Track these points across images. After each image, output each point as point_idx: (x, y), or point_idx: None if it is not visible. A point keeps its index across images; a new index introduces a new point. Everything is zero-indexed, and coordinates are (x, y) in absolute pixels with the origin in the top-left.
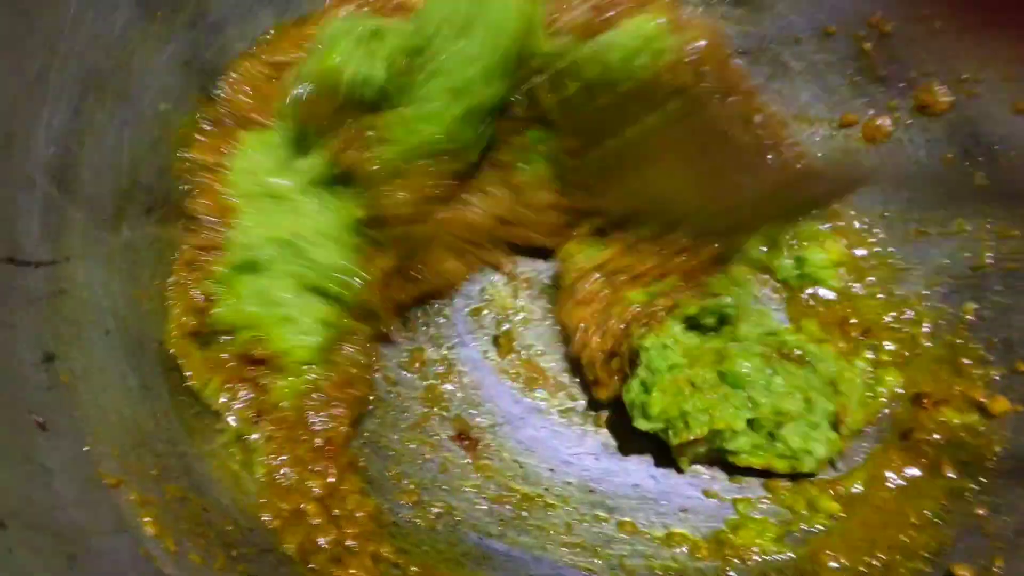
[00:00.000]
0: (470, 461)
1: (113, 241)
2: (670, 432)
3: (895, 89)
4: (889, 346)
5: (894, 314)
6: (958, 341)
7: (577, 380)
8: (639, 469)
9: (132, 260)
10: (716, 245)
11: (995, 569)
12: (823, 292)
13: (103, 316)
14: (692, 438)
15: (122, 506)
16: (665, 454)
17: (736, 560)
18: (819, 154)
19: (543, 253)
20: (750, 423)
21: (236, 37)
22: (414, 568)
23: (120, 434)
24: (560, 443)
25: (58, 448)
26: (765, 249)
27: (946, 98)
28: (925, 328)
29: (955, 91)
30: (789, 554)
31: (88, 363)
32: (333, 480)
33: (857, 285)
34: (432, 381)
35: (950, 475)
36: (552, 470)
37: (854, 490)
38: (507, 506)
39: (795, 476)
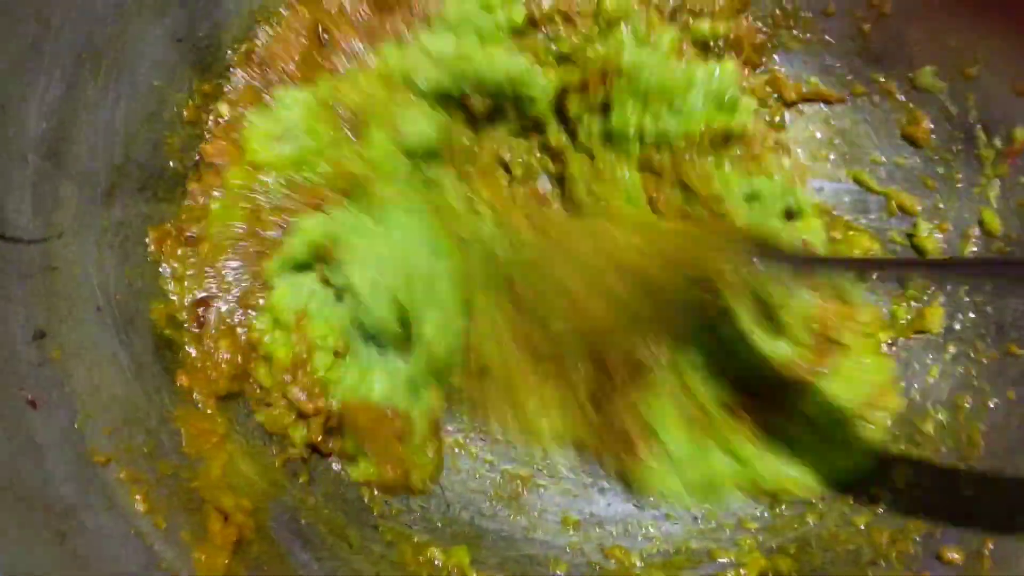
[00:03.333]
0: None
1: (106, 217)
2: None
3: (892, 70)
4: None
5: None
6: None
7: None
8: None
9: (125, 237)
10: None
11: (985, 551)
12: None
13: (95, 293)
14: None
15: (112, 483)
16: None
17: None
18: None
19: None
20: None
21: (232, 12)
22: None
23: (111, 411)
24: None
25: (49, 424)
26: None
27: (941, 81)
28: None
29: (952, 73)
30: None
31: (79, 340)
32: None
33: None
34: None
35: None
36: (545, 449)
37: None
38: (499, 485)
39: None
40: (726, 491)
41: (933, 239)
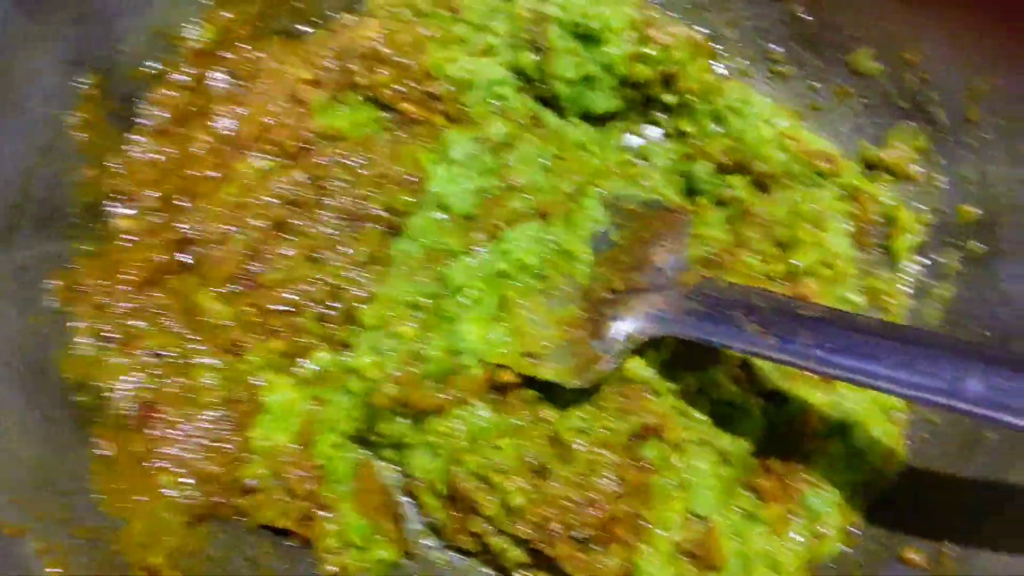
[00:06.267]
0: None
1: (4, 263)
2: None
3: (828, 56)
4: None
5: None
6: None
7: None
8: None
9: (26, 282)
10: None
11: (946, 551)
12: None
13: None
14: None
15: (24, 557)
16: None
17: None
18: None
19: None
20: None
21: (129, 30)
22: None
23: (19, 476)
24: None
25: None
26: None
27: (877, 64)
28: None
29: (887, 56)
30: None
31: None
32: None
33: None
34: None
35: None
36: None
37: None
38: None
39: None
40: None
41: None
